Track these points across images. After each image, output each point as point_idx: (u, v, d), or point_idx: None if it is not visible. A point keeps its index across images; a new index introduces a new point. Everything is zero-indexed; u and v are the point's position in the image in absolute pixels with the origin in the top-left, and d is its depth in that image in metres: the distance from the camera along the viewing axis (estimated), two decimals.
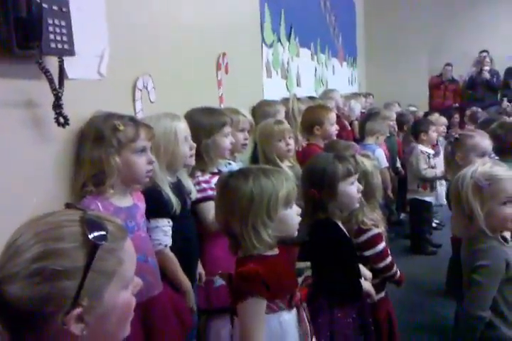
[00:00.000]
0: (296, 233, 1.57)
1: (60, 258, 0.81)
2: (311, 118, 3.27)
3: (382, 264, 2.11)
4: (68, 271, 0.81)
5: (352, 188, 1.92)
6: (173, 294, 1.88)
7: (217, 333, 2.20)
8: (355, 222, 2.10)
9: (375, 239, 2.10)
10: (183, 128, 1.94)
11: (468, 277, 1.82)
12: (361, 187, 1.95)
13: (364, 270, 2.02)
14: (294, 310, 1.53)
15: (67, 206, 0.96)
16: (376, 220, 2.13)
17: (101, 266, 0.84)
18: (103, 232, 0.85)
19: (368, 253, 2.09)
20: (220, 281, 2.12)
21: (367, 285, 1.91)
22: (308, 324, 1.56)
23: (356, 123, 5.06)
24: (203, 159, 2.18)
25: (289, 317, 1.51)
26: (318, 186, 1.88)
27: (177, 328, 1.83)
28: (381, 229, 2.14)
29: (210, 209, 2.12)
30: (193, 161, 2.03)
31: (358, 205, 1.96)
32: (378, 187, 2.22)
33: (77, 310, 0.81)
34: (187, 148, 1.96)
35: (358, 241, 2.10)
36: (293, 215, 1.53)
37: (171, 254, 1.89)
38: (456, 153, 2.74)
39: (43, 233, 0.83)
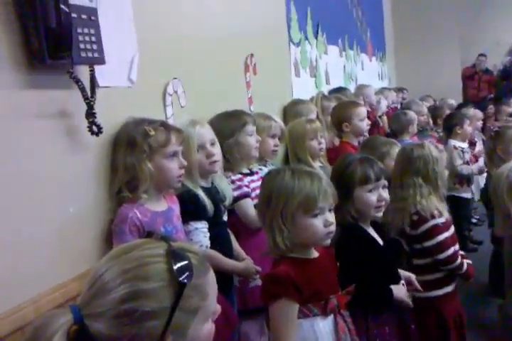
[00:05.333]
0: (323, 243, 1.50)
1: (148, 300, 0.81)
2: (338, 115, 3.19)
3: (442, 256, 2.06)
4: (155, 312, 0.81)
5: (369, 196, 1.79)
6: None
7: (246, 335, 2.19)
8: (413, 212, 2.06)
9: (435, 230, 2.06)
10: (197, 135, 1.91)
11: (510, 277, 1.75)
12: (384, 196, 1.82)
13: (404, 272, 1.93)
14: (331, 318, 1.49)
15: (149, 234, 0.96)
16: (438, 209, 2.07)
17: (186, 304, 0.84)
18: (189, 270, 0.84)
19: (427, 244, 2.06)
20: (255, 281, 2.12)
21: (399, 291, 1.79)
22: (348, 334, 1.50)
23: (384, 118, 4.98)
24: (228, 161, 2.18)
25: (323, 324, 1.46)
26: (336, 188, 1.76)
27: (223, 326, 1.81)
28: (443, 218, 2.08)
29: (248, 205, 2.16)
30: (214, 168, 1.98)
31: (379, 214, 1.84)
32: (441, 176, 2.16)
33: None
34: (201, 156, 1.92)
35: (417, 232, 2.08)
36: (316, 225, 1.44)
37: (214, 253, 1.89)
38: (497, 146, 2.66)
39: (130, 271, 0.83)
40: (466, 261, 2.18)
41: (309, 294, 1.42)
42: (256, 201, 2.14)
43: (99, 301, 0.81)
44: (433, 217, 2.06)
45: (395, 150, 2.54)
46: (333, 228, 1.48)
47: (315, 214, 1.44)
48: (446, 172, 2.30)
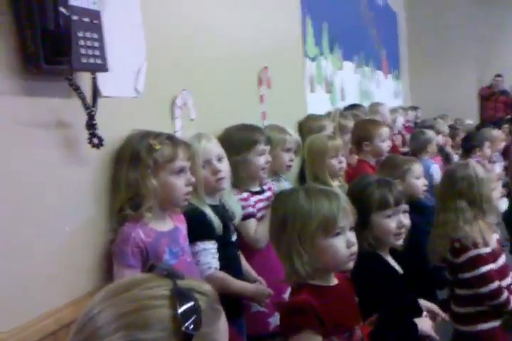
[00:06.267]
0: (346, 266, 1.37)
1: None
2: (359, 133, 3.08)
3: (484, 289, 1.88)
4: None
5: (388, 222, 1.66)
6: None
7: None
8: (456, 239, 1.92)
9: (478, 260, 1.89)
10: (202, 150, 1.80)
11: None
12: (405, 222, 1.68)
13: (426, 303, 1.78)
14: None
15: (151, 267, 0.82)
16: (483, 237, 1.91)
17: None
18: (196, 317, 0.70)
19: (468, 275, 1.90)
20: (256, 307, 1.98)
21: (425, 324, 1.64)
22: None
23: (399, 137, 4.86)
24: (234, 176, 2.06)
25: None
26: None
27: None
28: (489, 248, 1.91)
29: (251, 226, 2.04)
30: (221, 186, 1.86)
31: (399, 242, 1.69)
32: (486, 199, 1.99)
33: None
34: (207, 172, 1.81)
35: (459, 260, 1.92)
36: (338, 246, 1.32)
37: (223, 275, 1.77)
38: None
39: (127, 316, 0.69)
40: None
41: (332, 325, 1.29)
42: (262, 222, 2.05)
43: None
44: (476, 246, 1.89)
45: (416, 167, 2.46)
46: (355, 249, 1.36)
47: (336, 234, 1.32)
48: (498, 194, 2.12)
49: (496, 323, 1.93)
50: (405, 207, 1.70)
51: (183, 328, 0.68)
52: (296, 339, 1.27)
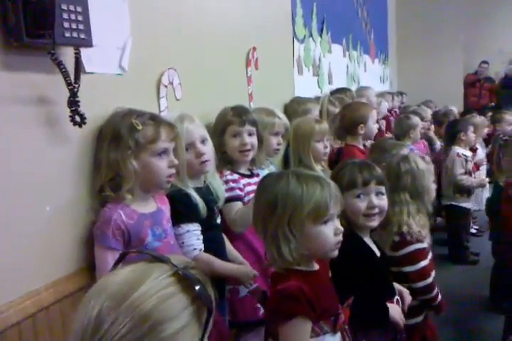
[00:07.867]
0: (331, 254, 1.36)
1: None
2: (354, 116, 2.97)
3: (421, 284, 1.86)
4: None
5: (356, 202, 1.66)
6: None
7: None
8: (396, 232, 1.87)
9: (417, 255, 1.87)
10: (185, 132, 1.74)
11: None
12: (376, 203, 1.66)
13: (401, 289, 1.78)
14: (339, 335, 1.35)
15: (122, 255, 0.80)
16: (421, 231, 1.88)
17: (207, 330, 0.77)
18: (206, 291, 0.73)
19: (406, 269, 1.87)
20: (244, 291, 1.96)
21: (394, 311, 1.64)
22: None
23: (383, 122, 4.86)
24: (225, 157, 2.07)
25: None
26: None
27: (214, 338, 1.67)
28: (426, 243, 1.89)
29: (234, 209, 2.01)
30: (205, 168, 1.82)
31: (371, 223, 1.69)
32: (427, 190, 1.99)
33: None
34: (191, 155, 1.77)
35: (397, 254, 1.88)
36: (326, 234, 1.31)
37: (208, 256, 1.75)
38: (503, 157, 2.58)
39: (148, 318, 0.67)
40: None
41: (321, 310, 1.29)
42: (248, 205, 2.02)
43: None
44: (418, 240, 1.87)
45: (405, 152, 2.43)
46: (341, 237, 1.36)
47: (325, 221, 1.31)
48: (434, 186, 2.13)
49: (418, 319, 1.91)
50: (378, 188, 1.69)
51: (207, 305, 0.70)
52: (288, 326, 1.26)
